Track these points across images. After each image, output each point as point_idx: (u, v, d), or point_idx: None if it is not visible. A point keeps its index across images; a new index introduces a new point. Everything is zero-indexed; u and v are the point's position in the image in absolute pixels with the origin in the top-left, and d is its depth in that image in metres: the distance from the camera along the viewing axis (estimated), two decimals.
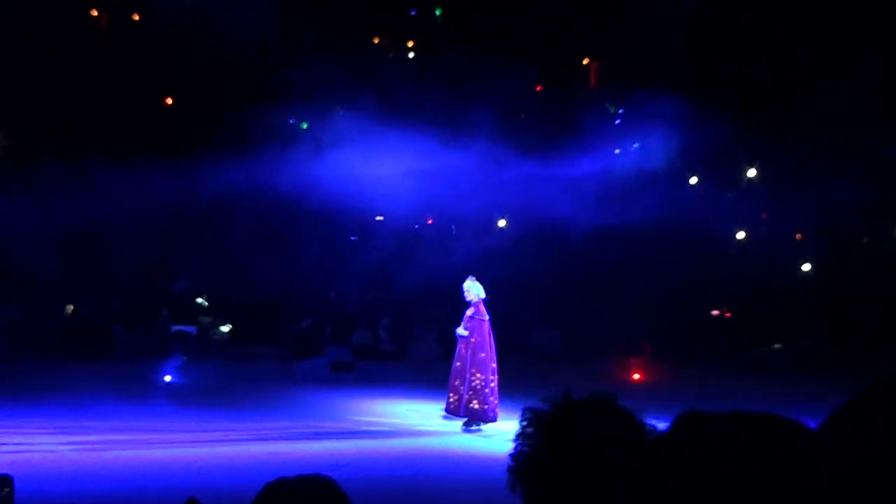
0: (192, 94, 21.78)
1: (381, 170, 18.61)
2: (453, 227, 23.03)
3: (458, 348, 13.95)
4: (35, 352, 19.70)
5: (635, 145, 21.29)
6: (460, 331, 13.94)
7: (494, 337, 14.05)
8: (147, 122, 21.27)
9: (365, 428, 13.76)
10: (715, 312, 22.49)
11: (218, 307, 22.64)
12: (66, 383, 16.39)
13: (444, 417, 14.13)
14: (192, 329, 21.45)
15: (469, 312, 13.83)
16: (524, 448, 1.92)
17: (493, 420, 13.57)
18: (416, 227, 23.34)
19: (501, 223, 22.90)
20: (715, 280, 21.76)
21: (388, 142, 18.53)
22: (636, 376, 18.69)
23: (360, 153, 18.61)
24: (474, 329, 13.81)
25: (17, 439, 12.02)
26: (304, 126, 22.20)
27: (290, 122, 22.17)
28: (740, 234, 22.33)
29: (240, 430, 13.35)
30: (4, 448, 11.27)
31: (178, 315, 21.63)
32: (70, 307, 21.57)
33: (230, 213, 20.87)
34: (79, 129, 21.06)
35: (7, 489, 2.88)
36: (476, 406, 13.62)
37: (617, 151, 21.32)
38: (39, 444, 11.85)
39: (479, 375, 13.72)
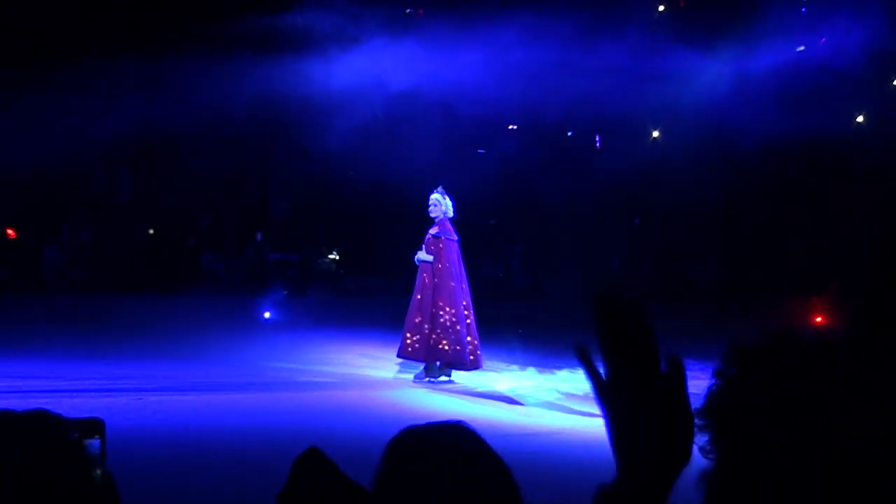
0: None
1: (511, 65, 18.41)
2: (598, 137, 22.78)
3: (418, 278, 13.33)
4: (109, 281, 20.36)
5: (823, 40, 20.44)
6: (422, 255, 13.27)
7: (466, 265, 13.55)
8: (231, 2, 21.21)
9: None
10: None
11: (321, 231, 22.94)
12: (147, 317, 16.86)
13: (401, 364, 13.59)
14: (293, 257, 21.76)
15: (433, 231, 13.21)
16: (721, 387, 1.89)
17: (476, 367, 13.14)
18: (569, 133, 23.21)
19: (655, 133, 22.55)
20: None
21: (519, 29, 18.22)
22: (818, 320, 18.29)
23: (485, 43, 18.25)
24: (441, 252, 13.17)
25: (100, 381, 12.49)
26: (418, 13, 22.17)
27: (408, 10, 22.07)
28: None
29: (346, 374, 13.76)
30: (88, 392, 11.64)
31: (277, 240, 22.02)
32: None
33: (330, 114, 20.45)
34: (150, 11, 21.24)
35: (98, 435, 2.75)
36: (447, 347, 12.98)
37: (801, 49, 20.71)
38: (127, 385, 12.32)
39: (448, 310, 13.13)
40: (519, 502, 2.25)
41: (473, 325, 13.32)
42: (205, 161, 21.47)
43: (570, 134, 23.24)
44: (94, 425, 2.72)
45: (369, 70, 18.84)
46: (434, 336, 12.97)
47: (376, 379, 13.66)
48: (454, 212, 13.38)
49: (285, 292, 20.16)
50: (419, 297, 13.29)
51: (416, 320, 13.22)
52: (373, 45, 19.38)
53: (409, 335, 13.19)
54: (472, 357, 13.12)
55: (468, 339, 13.12)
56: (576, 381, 13.02)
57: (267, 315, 18.75)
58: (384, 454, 2.28)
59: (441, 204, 13.34)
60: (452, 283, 13.26)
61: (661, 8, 21.73)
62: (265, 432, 9.58)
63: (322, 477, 2.89)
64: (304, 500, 2.89)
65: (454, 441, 2.31)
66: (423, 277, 13.27)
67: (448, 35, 19.35)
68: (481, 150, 23.13)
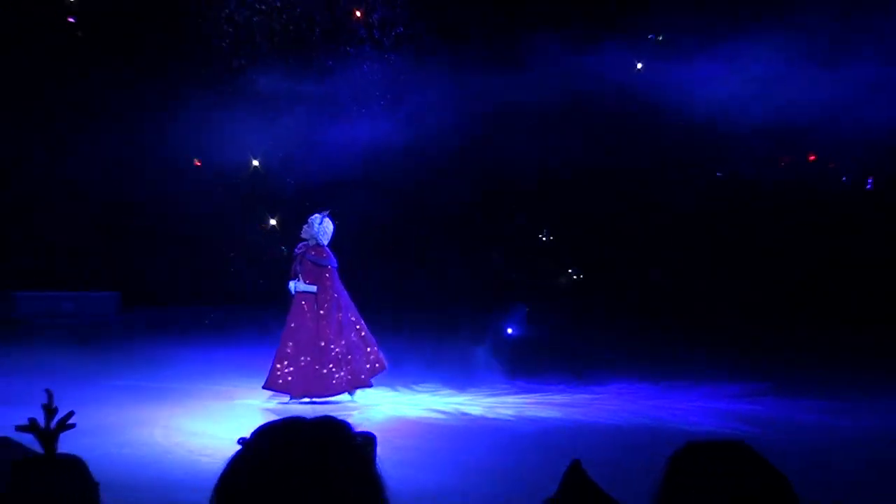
0: None
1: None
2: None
3: (295, 305, 12.85)
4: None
5: None
6: (302, 286, 12.81)
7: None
8: None
9: None
10: None
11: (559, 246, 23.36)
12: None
13: (271, 394, 12.89)
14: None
15: (312, 257, 12.79)
16: None
17: (383, 369, 12.98)
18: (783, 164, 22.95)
19: None
20: None
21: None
22: None
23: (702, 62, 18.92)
24: (328, 282, 12.78)
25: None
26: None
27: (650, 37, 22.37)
28: None
29: (602, 400, 13.63)
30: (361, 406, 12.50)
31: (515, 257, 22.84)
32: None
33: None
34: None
35: (370, 447, 2.93)
36: (343, 375, 12.70)
37: None
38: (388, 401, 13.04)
39: (340, 342, 12.80)
40: None
41: (369, 334, 13.02)
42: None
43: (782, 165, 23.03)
44: (367, 438, 2.85)
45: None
46: (326, 371, 12.67)
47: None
48: (330, 239, 13.01)
49: (527, 307, 19.89)
50: (293, 325, 12.87)
51: (288, 350, 12.80)
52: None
53: (279, 365, 12.81)
54: (375, 366, 12.94)
55: (368, 349, 12.93)
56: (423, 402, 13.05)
57: (510, 331, 18.72)
58: (666, 468, 2.39)
59: (327, 229, 13.01)
60: (339, 315, 12.94)
61: None
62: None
63: (587, 490, 2.96)
64: None
65: (735, 458, 2.37)
66: (302, 305, 12.89)
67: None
68: (719, 174, 23.58)
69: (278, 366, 12.66)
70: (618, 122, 22.11)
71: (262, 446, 2.12)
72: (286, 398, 12.77)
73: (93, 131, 21.55)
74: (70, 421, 3.76)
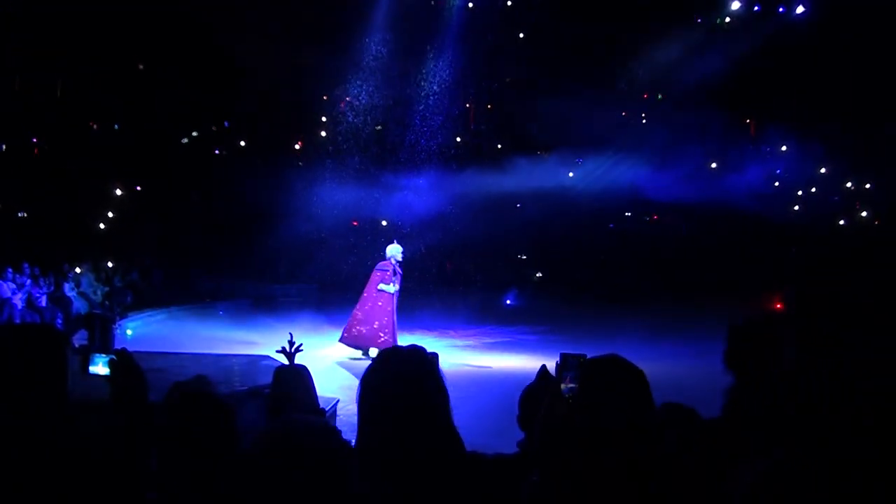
0: None
1: None
2: None
3: (389, 296, 15.27)
4: None
5: None
6: (390, 288, 15.19)
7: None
8: None
9: None
10: None
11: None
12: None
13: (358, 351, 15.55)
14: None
15: (399, 269, 15.47)
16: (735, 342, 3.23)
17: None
18: None
19: None
20: None
21: None
22: (777, 306, 21.06)
23: None
24: (398, 283, 15.49)
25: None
26: None
27: None
28: None
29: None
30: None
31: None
32: None
33: None
34: None
35: (436, 359, 3.29)
36: (389, 340, 15.06)
37: None
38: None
39: (395, 316, 15.44)
40: (654, 415, 2.93)
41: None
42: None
43: None
44: (434, 354, 3.26)
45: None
46: (388, 337, 15.09)
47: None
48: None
49: (517, 290, 27.53)
50: (379, 303, 15.23)
51: (384, 321, 15.22)
52: None
53: (381, 332, 15.10)
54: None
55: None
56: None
57: (508, 302, 26.41)
58: (582, 372, 2.98)
59: (396, 252, 15.54)
60: (395, 304, 15.48)
61: None
62: None
63: (551, 380, 3.49)
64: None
65: (616, 360, 3.06)
66: (392, 296, 15.23)
67: None
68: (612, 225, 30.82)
69: (381, 334, 15.18)
70: (561, 200, 28.72)
71: (383, 360, 2.84)
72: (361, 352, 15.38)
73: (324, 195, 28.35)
74: (300, 348, 5.30)
